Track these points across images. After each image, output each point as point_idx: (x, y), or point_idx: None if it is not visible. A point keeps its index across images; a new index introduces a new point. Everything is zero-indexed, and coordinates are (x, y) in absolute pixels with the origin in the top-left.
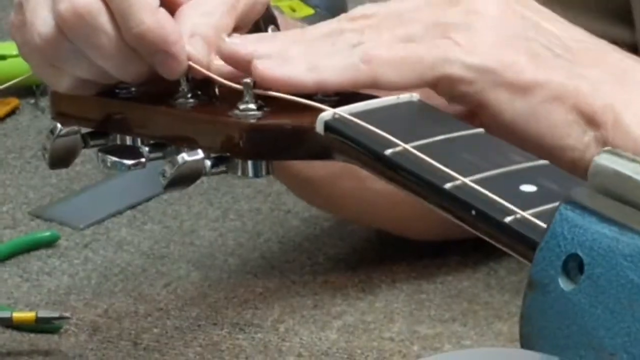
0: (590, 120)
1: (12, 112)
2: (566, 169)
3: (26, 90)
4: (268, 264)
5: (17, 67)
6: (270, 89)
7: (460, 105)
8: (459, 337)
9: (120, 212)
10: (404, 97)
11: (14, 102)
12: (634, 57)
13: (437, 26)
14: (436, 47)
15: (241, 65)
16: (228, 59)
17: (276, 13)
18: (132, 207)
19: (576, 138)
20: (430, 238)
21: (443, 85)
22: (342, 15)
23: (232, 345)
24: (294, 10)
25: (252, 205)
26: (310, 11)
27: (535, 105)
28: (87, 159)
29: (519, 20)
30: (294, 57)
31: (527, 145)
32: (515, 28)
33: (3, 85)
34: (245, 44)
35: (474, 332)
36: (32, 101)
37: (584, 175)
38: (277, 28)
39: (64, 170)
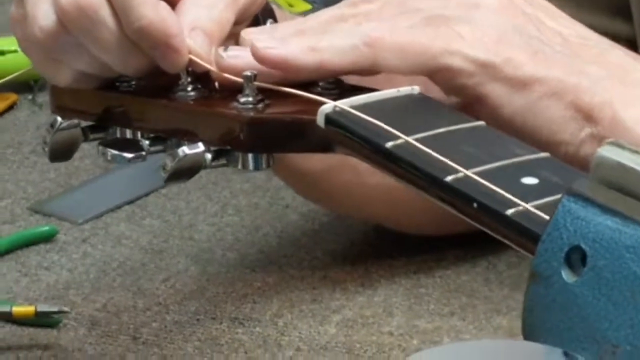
0: (588, 117)
1: (10, 108)
2: None
3: (24, 85)
4: (266, 258)
5: (16, 63)
6: (272, 76)
7: (457, 98)
8: (457, 332)
9: (118, 207)
10: (405, 89)
11: (12, 97)
12: (636, 55)
13: (438, 17)
14: (439, 37)
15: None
16: (229, 73)
17: (274, 7)
18: (131, 201)
19: (572, 134)
20: (428, 233)
21: (442, 75)
22: (343, 2)
23: (231, 340)
24: (291, 6)
25: (250, 200)
26: (308, 6)
27: (534, 100)
28: (86, 154)
29: (520, 16)
30: (295, 40)
31: (522, 139)
32: (516, 23)
33: (1, 80)
34: (243, 55)
35: (473, 327)
36: (30, 97)
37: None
38: (276, 22)
39: (62, 165)
